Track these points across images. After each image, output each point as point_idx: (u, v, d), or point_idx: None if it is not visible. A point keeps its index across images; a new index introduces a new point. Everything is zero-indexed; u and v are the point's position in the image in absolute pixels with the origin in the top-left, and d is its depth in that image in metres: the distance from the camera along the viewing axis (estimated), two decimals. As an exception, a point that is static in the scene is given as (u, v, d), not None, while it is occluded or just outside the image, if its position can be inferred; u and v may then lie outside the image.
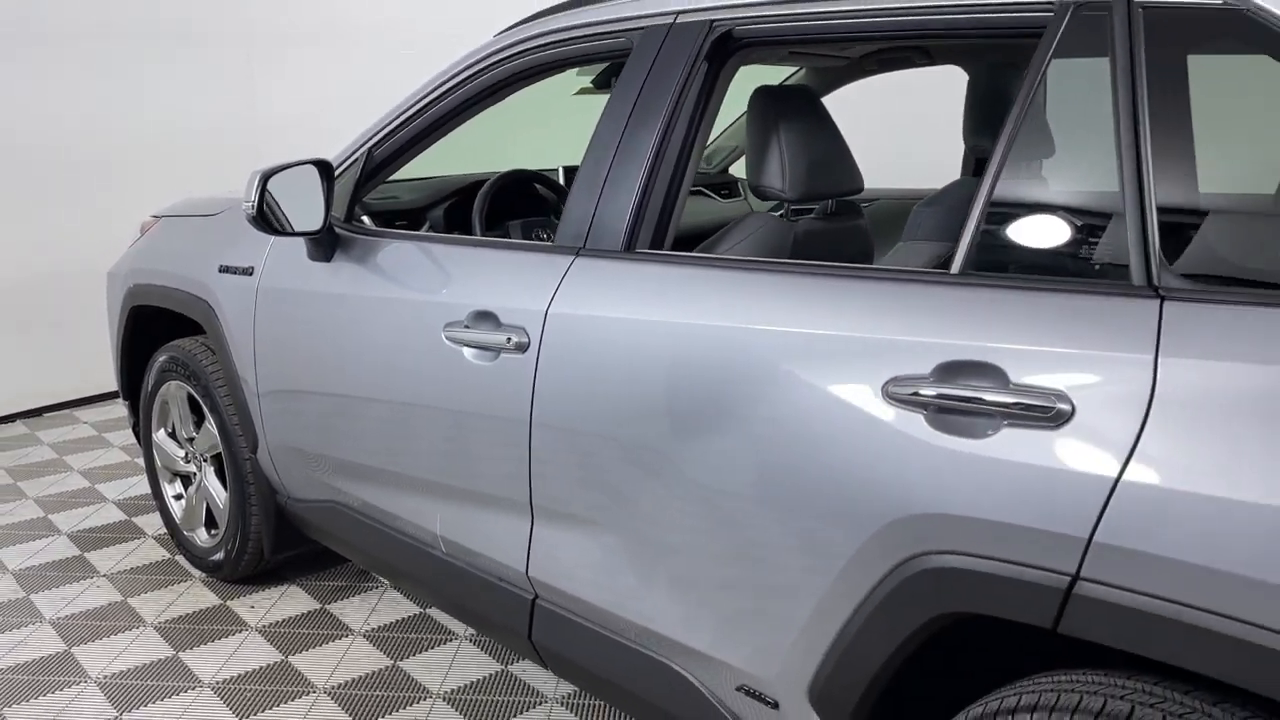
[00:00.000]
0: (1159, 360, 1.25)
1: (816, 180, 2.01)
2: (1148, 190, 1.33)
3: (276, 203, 2.35)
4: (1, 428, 4.84)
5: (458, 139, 2.54)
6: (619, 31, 2.04)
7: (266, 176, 2.30)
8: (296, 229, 2.37)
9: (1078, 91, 1.46)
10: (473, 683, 2.65)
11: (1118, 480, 1.25)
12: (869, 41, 2.16)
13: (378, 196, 2.87)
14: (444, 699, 2.58)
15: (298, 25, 5.44)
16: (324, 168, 2.40)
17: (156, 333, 3.26)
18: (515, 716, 2.51)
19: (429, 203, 2.91)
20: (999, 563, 1.35)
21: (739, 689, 1.74)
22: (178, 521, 3.30)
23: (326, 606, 3.06)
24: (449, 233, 2.99)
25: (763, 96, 2.06)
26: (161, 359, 3.17)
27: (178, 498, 3.32)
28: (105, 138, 4.94)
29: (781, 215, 2.10)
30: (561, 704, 2.55)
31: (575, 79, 3.01)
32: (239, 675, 2.70)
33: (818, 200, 2.09)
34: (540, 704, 2.55)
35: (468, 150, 3.23)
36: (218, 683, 2.66)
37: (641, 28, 1.99)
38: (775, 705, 1.68)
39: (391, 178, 2.71)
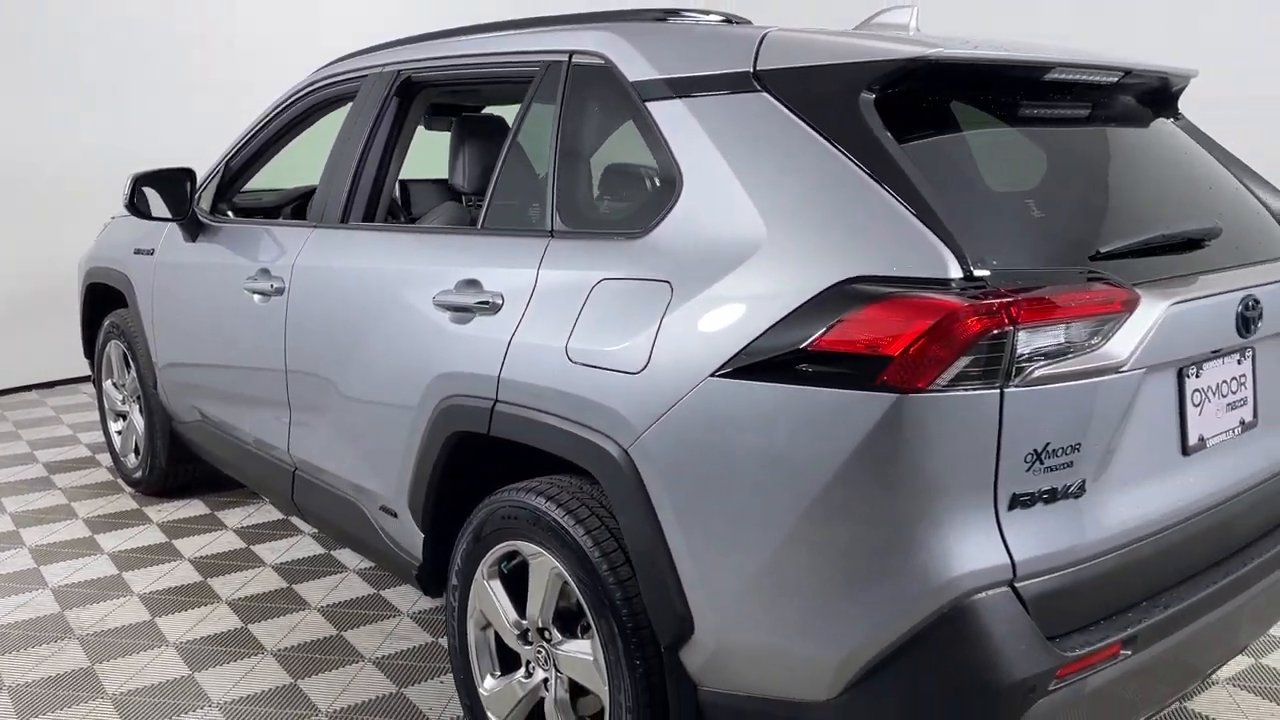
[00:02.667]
0: (540, 272, 2.11)
1: (487, 179, 2.89)
2: (554, 178, 2.20)
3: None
4: (19, 395, 5.95)
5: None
6: (356, 78, 2.97)
7: (138, 178, 3.28)
8: (161, 216, 3.34)
9: (543, 119, 2.33)
10: (299, 559, 3.56)
11: (510, 341, 2.11)
12: (475, 85, 3.06)
13: (247, 199, 3.83)
14: (273, 568, 3.49)
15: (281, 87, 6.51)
16: (189, 173, 3.36)
17: (108, 305, 4.26)
18: (318, 579, 3.40)
19: (282, 203, 3.87)
20: (469, 398, 2.21)
21: (380, 509, 2.61)
22: (117, 450, 4.29)
23: (214, 512, 4.00)
24: None
25: (458, 121, 2.97)
26: (107, 324, 4.17)
27: (119, 432, 4.31)
28: (120, 167, 6.03)
29: (466, 203, 3.00)
30: (358, 574, 3.43)
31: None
32: (132, 549, 3.64)
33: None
34: (341, 572, 3.44)
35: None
36: (114, 552, 3.61)
37: (364, 75, 2.92)
38: (395, 515, 2.55)
39: (263, 187, 3.67)
